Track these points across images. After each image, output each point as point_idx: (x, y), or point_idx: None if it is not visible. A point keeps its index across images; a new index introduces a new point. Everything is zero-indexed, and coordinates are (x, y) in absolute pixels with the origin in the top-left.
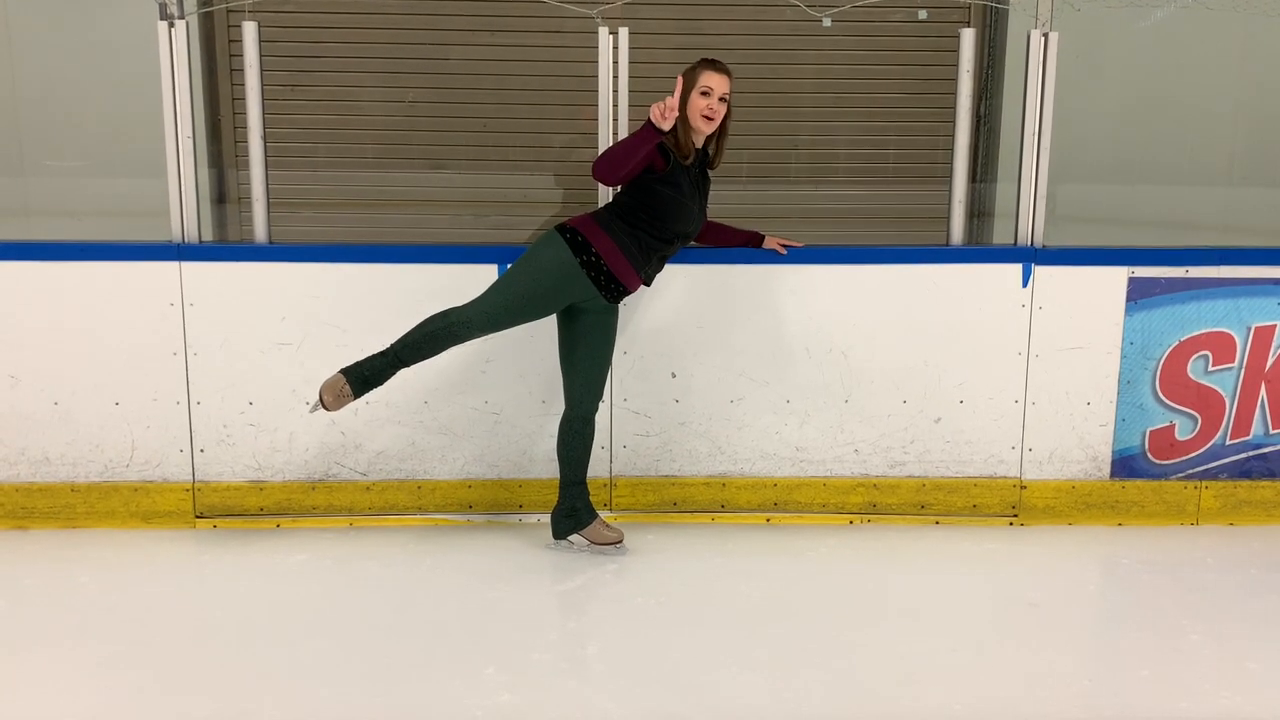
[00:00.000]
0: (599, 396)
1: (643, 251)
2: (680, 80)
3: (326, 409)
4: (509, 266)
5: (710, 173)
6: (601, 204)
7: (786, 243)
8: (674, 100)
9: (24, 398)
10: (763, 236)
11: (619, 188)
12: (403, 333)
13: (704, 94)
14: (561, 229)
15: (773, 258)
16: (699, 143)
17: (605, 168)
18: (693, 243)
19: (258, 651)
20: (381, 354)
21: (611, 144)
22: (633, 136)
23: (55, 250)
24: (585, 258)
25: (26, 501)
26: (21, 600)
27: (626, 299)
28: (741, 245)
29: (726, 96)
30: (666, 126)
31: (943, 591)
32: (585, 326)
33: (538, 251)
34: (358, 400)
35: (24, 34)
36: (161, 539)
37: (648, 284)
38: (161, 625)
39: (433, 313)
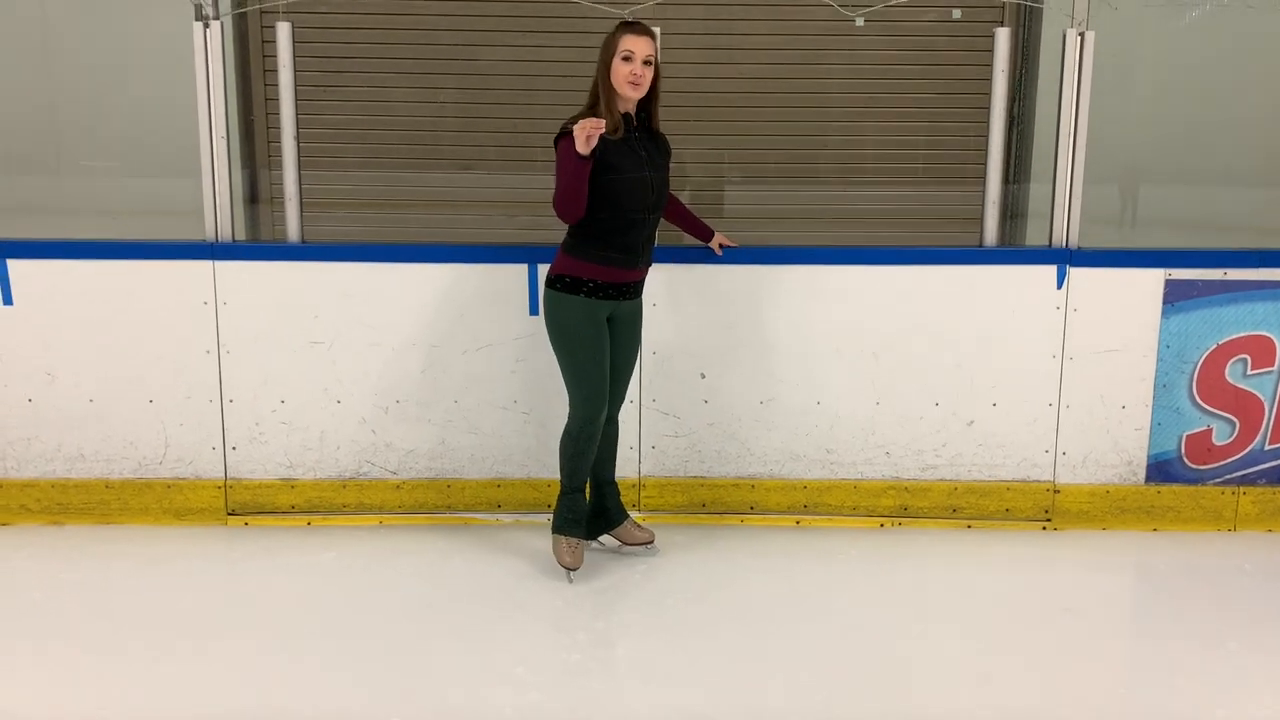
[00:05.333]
0: (625, 396)
1: (611, 246)
2: (601, 52)
3: (573, 569)
4: (555, 352)
5: (666, 136)
6: None
7: (725, 242)
8: (598, 122)
9: (60, 395)
10: (712, 233)
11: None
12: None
13: (625, 59)
14: (549, 283)
15: (810, 257)
16: (628, 109)
17: (565, 209)
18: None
19: (288, 648)
20: (562, 495)
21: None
22: (565, 173)
23: (91, 249)
24: (582, 290)
25: (62, 497)
26: (56, 594)
27: (652, 296)
28: (690, 232)
29: (651, 59)
30: (585, 150)
31: (975, 596)
32: (616, 332)
33: (554, 320)
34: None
35: (61, 35)
36: (193, 536)
37: (647, 265)
38: (193, 621)
39: (563, 443)
